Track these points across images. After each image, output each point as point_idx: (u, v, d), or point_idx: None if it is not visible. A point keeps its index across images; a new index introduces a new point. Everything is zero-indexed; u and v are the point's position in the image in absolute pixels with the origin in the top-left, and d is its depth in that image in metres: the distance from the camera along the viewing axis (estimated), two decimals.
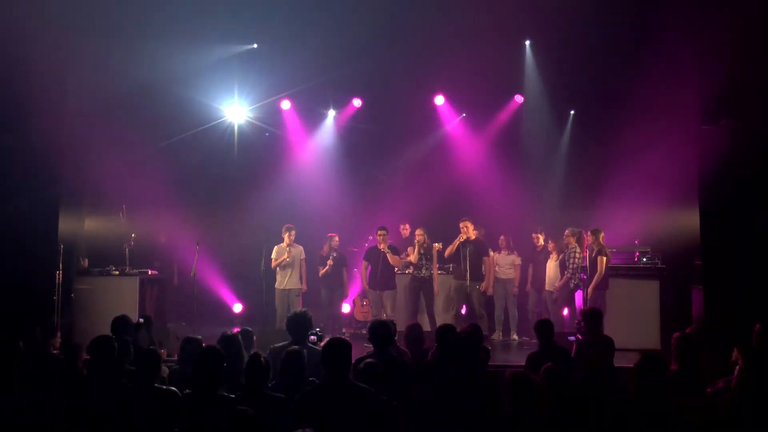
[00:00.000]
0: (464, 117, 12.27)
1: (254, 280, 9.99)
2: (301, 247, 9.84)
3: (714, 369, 6.21)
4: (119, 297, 9.38)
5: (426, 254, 9.70)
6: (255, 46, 11.03)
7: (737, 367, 5.61)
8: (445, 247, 9.77)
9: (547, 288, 9.96)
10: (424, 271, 9.67)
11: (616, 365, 6.36)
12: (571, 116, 11.90)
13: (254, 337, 6.06)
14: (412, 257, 9.78)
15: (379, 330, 5.55)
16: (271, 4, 9.66)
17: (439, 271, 9.94)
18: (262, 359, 4.59)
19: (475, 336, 6.04)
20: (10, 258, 8.36)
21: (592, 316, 6.48)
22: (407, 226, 10.53)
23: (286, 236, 9.77)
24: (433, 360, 5.67)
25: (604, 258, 8.97)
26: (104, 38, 9.23)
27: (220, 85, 11.31)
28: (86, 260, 9.94)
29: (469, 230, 9.57)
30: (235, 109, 11.76)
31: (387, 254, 9.60)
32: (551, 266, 9.92)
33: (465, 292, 9.54)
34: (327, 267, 10.09)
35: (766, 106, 7.68)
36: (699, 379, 5.40)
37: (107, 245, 10.41)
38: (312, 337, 5.90)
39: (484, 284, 9.68)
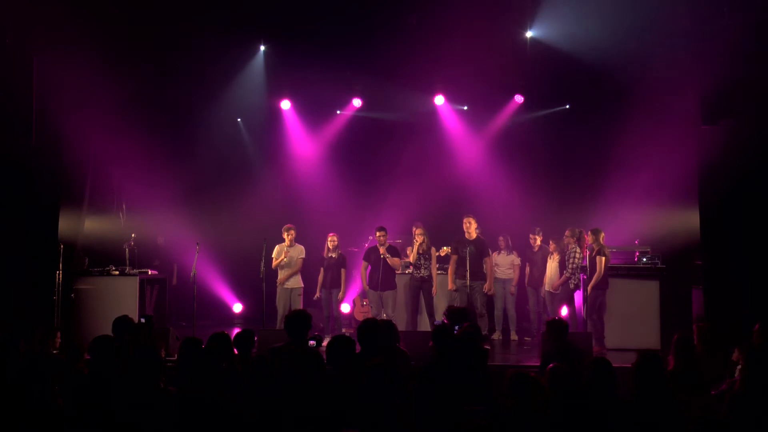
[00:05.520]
0: (466, 111, 12.23)
1: (254, 280, 9.97)
2: (301, 247, 9.82)
3: (714, 369, 6.22)
4: (119, 297, 9.39)
5: (425, 254, 9.68)
6: (262, 47, 11.03)
7: (738, 367, 5.61)
8: (450, 253, 9.77)
9: (546, 288, 9.94)
10: (423, 270, 9.64)
11: (615, 365, 6.35)
12: (571, 115, 11.88)
13: (254, 337, 6.05)
14: (411, 257, 9.77)
15: (365, 330, 5.51)
16: (275, 3, 9.67)
17: (439, 272, 9.93)
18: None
19: (472, 336, 6.02)
20: (10, 258, 8.36)
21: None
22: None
23: (286, 236, 9.75)
24: (431, 360, 5.65)
25: (603, 258, 8.96)
26: (104, 38, 9.23)
27: (219, 83, 11.31)
28: (86, 260, 9.94)
29: (471, 227, 9.56)
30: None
31: (386, 258, 9.59)
32: (552, 267, 9.88)
33: (466, 292, 9.53)
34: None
35: (766, 106, 7.68)
36: (699, 379, 5.40)
37: (107, 245, 10.42)
38: (311, 342, 5.85)
39: (486, 284, 9.67)
